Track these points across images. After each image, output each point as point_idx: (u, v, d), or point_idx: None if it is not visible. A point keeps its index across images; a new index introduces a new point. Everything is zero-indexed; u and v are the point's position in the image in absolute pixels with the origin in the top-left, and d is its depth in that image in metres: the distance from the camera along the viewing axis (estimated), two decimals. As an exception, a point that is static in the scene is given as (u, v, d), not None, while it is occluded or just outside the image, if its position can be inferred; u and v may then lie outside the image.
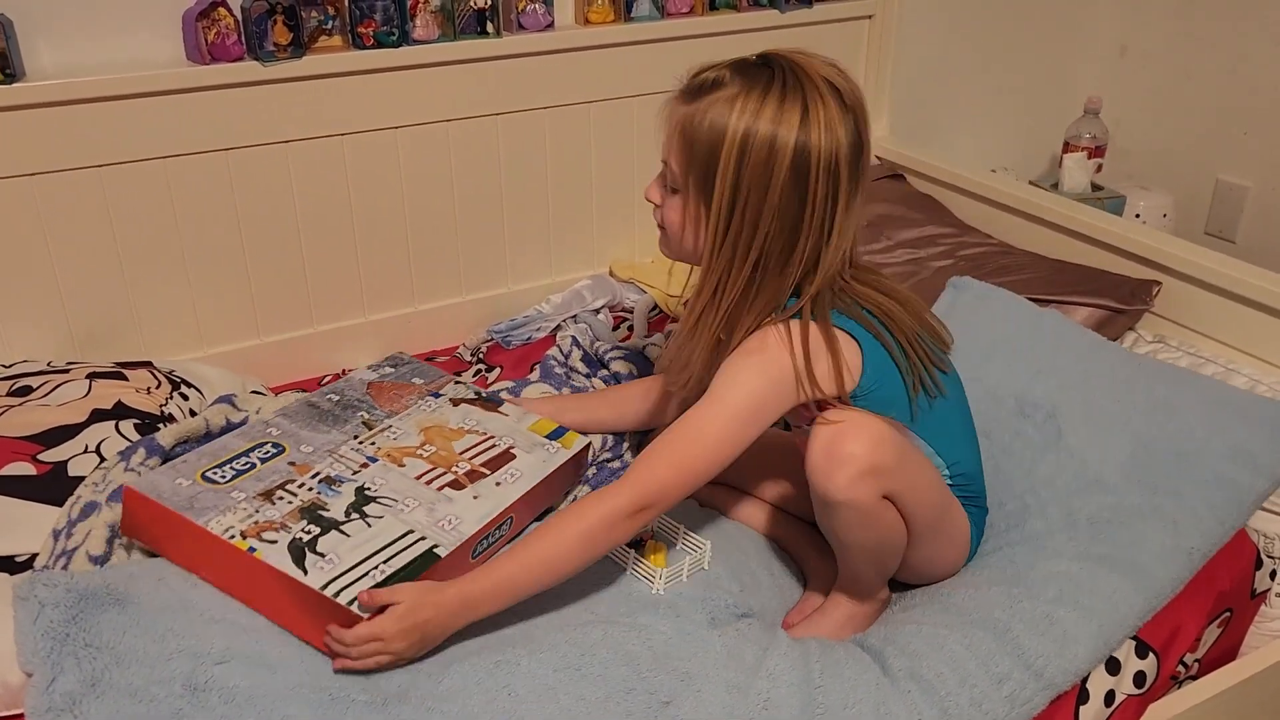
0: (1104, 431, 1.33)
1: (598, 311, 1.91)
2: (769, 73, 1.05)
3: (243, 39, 1.53)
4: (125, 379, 1.41)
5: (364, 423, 1.25)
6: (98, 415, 1.30)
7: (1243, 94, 2.18)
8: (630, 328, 1.88)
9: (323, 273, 1.73)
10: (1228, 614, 1.33)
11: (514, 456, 1.23)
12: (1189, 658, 1.28)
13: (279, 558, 1.00)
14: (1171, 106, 2.32)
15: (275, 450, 1.17)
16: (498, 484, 1.18)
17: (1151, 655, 1.20)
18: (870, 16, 2.04)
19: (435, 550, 1.06)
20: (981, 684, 1.05)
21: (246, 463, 1.14)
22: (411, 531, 1.08)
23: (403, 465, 1.18)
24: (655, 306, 1.94)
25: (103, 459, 1.23)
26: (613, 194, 1.94)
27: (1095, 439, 1.33)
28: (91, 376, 1.40)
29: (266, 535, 1.02)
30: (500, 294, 1.90)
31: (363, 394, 1.32)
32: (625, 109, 1.88)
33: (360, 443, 1.21)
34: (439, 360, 1.79)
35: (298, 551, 1.01)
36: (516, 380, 1.63)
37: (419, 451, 1.20)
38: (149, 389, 1.41)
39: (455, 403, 1.33)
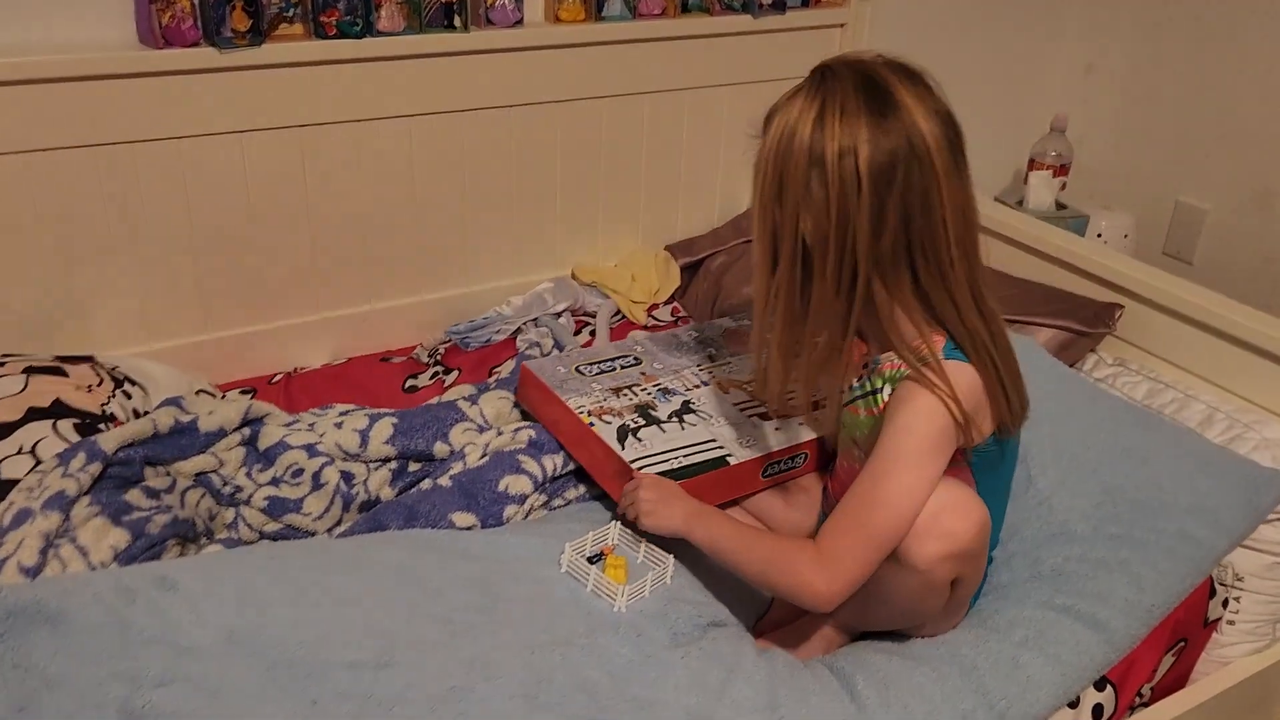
0: (1072, 477, 1.33)
1: (559, 315, 1.87)
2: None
3: (199, 23, 1.47)
4: (65, 374, 1.35)
5: (710, 356, 1.48)
6: (34, 414, 1.25)
7: (1205, 117, 2.20)
8: (592, 333, 1.85)
9: (276, 267, 1.67)
10: (1182, 644, 1.34)
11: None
12: (1145, 687, 1.29)
13: (608, 434, 1.26)
14: (1135, 127, 2.34)
15: (634, 361, 1.44)
16: (800, 424, 1.33)
17: (1109, 688, 1.20)
18: (842, 25, 2.02)
19: (727, 458, 1.26)
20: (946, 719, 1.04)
21: (610, 365, 1.42)
22: (714, 441, 1.29)
23: (727, 393, 1.39)
24: (618, 312, 1.91)
25: (38, 461, 1.17)
26: (578, 195, 1.90)
27: (1064, 485, 1.32)
28: (29, 371, 1.33)
29: (605, 418, 1.29)
30: (460, 294, 1.85)
31: (718, 335, 1.53)
32: (594, 110, 1.85)
33: (700, 370, 1.44)
34: (395, 362, 1.74)
35: (623, 433, 1.27)
36: (478, 385, 1.59)
37: (745, 385, 1.41)
38: (90, 386, 1.35)
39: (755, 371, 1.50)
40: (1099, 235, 2.10)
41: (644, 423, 1.31)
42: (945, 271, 1.02)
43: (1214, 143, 2.19)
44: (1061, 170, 2.14)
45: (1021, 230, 1.79)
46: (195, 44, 1.47)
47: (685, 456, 1.25)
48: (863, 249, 0.99)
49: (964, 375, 1.04)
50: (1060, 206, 2.10)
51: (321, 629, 0.98)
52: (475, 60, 1.70)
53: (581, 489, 1.34)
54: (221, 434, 1.27)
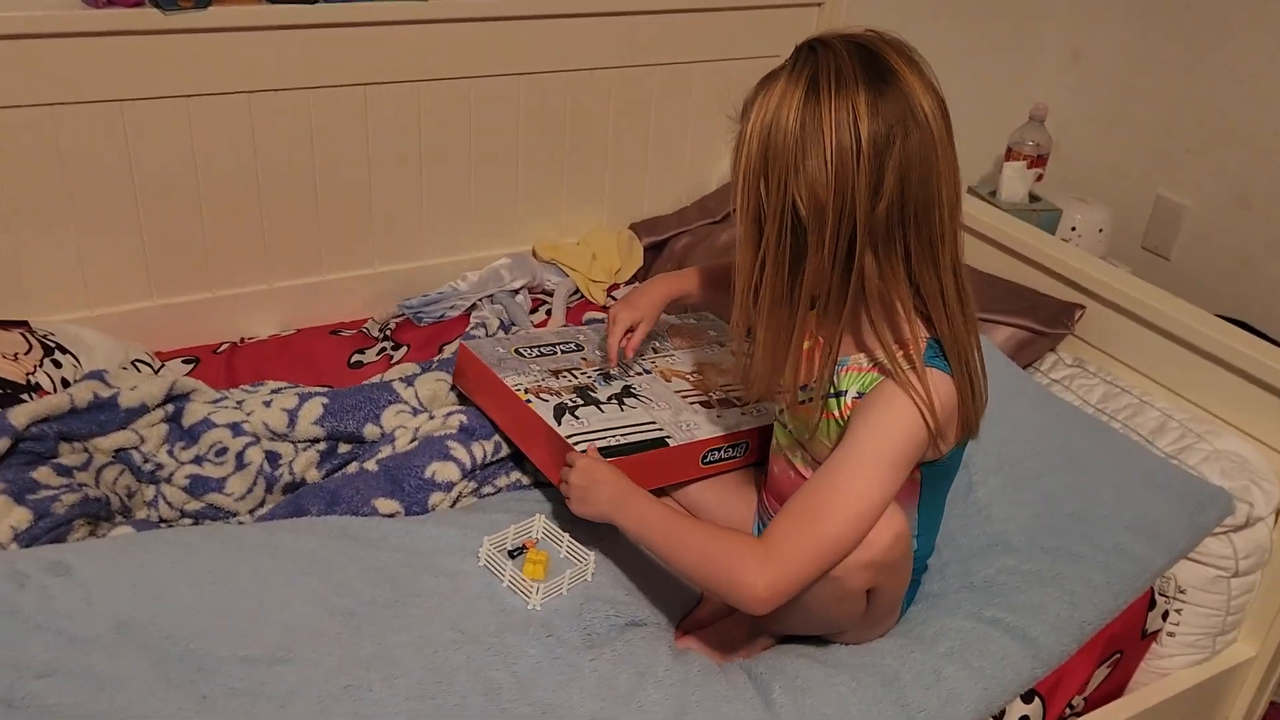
0: (1014, 486, 1.31)
1: (515, 293, 1.84)
2: None
3: (142, -17, 1.42)
4: (-8, 341, 1.33)
5: (653, 349, 1.46)
6: (-47, 383, 1.22)
7: (1192, 111, 2.15)
8: (548, 312, 1.82)
9: (224, 234, 1.64)
10: (1118, 655, 1.32)
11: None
12: (1077, 699, 1.27)
13: (545, 410, 1.24)
14: (1119, 117, 2.29)
15: (575, 348, 1.41)
16: (742, 414, 1.33)
17: (1037, 700, 1.18)
18: (819, 4, 1.97)
19: (666, 439, 1.24)
20: (863, 731, 1.03)
21: (550, 349, 1.39)
22: (654, 423, 1.27)
23: (669, 382, 1.38)
24: (576, 291, 1.88)
25: (-49, 433, 1.14)
26: (541, 170, 1.86)
27: (1004, 493, 1.30)
28: (-46, 337, 1.31)
29: (543, 395, 1.27)
30: (414, 267, 1.82)
31: (663, 331, 1.51)
32: (559, 83, 1.80)
33: (643, 359, 1.42)
34: (344, 335, 1.72)
35: (560, 410, 1.25)
36: (421, 364, 1.56)
37: (687, 376, 1.41)
38: (17, 355, 1.32)
39: (736, 354, 1.42)
40: (1073, 228, 2.06)
41: (582, 402, 1.28)
42: (936, 248, 0.97)
43: (1199, 137, 2.15)
44: (1038, 161, 2.09)
45: (987, 224, 1.75)
46: (138, 4, 1.43)
47: (623, 436, 1.23)
48: (861, 217, 0.94)
49: (943, 386, 1.00)
50: (1034, 199, 2.06)
51: (219, 620, 0.96)
52: (435, 29, 1.65)
53: (514, 476, 1.31)
54: (144, 410, 1.24)
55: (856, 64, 0.94)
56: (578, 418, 1.25)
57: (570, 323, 1.77)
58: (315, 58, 1.58)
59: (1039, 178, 2.10)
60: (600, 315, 1.79)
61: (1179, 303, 1.54)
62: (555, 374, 1.33)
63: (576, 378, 1.34)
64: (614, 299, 1.89)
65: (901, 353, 1.00)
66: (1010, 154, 2.10)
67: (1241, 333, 1.47)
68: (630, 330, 1.34)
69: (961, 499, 1.30)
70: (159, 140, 1.53)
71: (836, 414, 1.05)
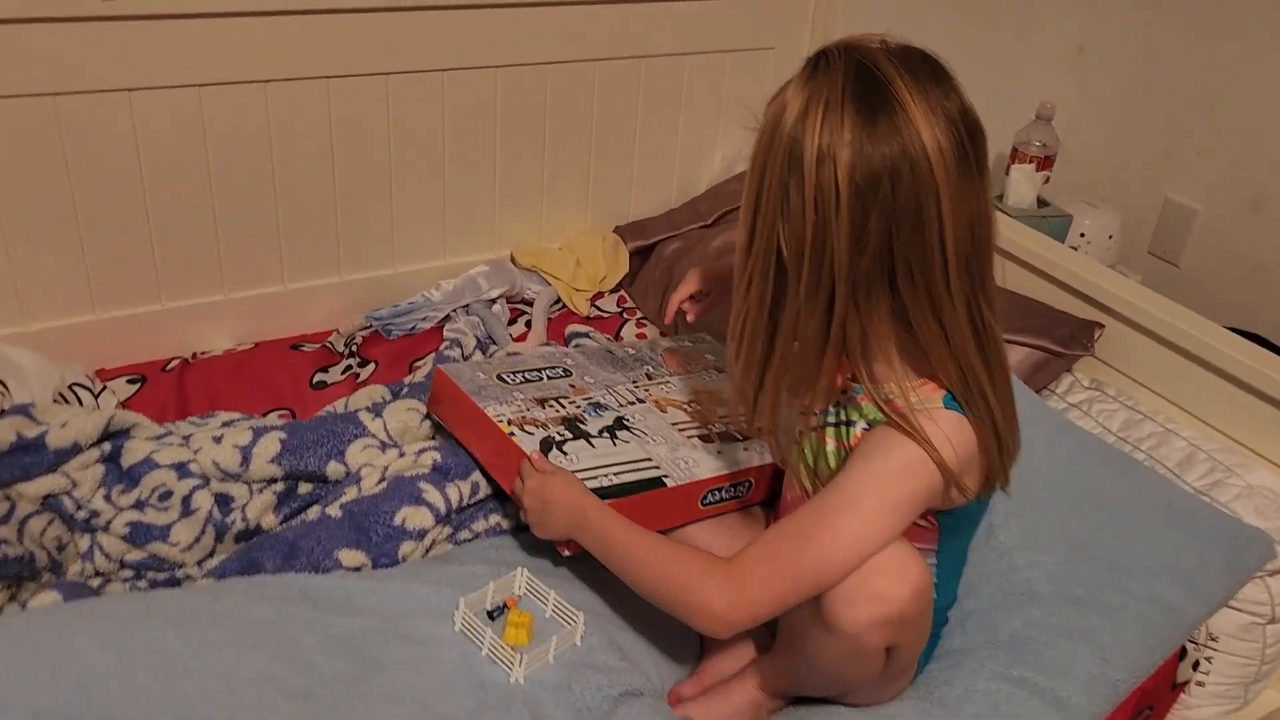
0: (1037, 529, 1.20)
1: (493, 302, 1.72)
2: None
3: (76, -35, 1.28)
4: (-94, 368, 1.18)
5: (647, 374, 1.34)
6: None
7: (1201, 110, 2.05)
8: (528, 323, 1.69)
9: (174, 240, 1.50)
10: (1148, 711, 1.22)
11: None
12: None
13: (529, 444, 1.12)
14: (1127, 115, 2.19)
15: (563, 373, 1.29)
16: (745, 449, 1.21)
17: (1063, 763, 1.08)
18: (819, -8, 1.85)
19: (664, 479, 1.12)
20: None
21: (535, 375, 1.27)
22: (650, 460, 1.15)
23: (665, 412, 1.26)
24: (558, 301, 1.75)
25: None
26: (519, 169, 1.73)
27: (1027, 538, 1.19)
28: None
29: (527, 428, 1.15)
30: (383, 275, 1.69)
31: (657, 354, 1.40)
32: (539, 76, 1.67)
33: (636, 386, 1.30)
34: (306, 350, 1.58)
35: (547, 445, 1.13)
36: (391, 385, 1.43)
37: (684, 406, 1.28)
38: (-67, 383, 1.18)
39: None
40: (1081, 234, 1.96)
41: (571, 436, 1.16)
42: (937, 297, 0.87)
43: (1210, 138, 2.05)
44: (1046, 163, 1.98)
45: (1002, 235, 1.63)
46: (72, -13, 1.29)
47: (616, 475, 1.12)
48: (841, 268, 0.85)
49: (960, 430, 0.90)
50: (1042, 204, 1.95)
51: (152, 711, 0.83)
52: (403, 17, 1.52)
53: (493, 520, 1.19)
54: (76, 450, 1.11)
55: (849, 91, 0.84)
56: (565, 453, 1.13)
57: (551, 337, 1.65)
58: (273, 46, 1.44)
59: (1046, 180, 1.99)
60: (584, 328, 1.67)
61: (1205, 323, 1.44)
62: (541, 403, 1.21)
63: (564, 407, 1.22)
64: (599, 309, 1.76)
65: (902, 394, 0.90)
66: (1015, 155, 1.99)
67: (1275, 358, 1.37)
68: (695, 297, 1.26)
69: (981, 543, 1.20)
70: (98, 137, 1.38)
71: (847, 444, 0.96)
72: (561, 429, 1.17)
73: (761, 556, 0.91)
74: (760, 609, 0.91)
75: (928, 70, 0.86)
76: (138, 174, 1.43)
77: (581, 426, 1.19)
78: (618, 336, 1.69)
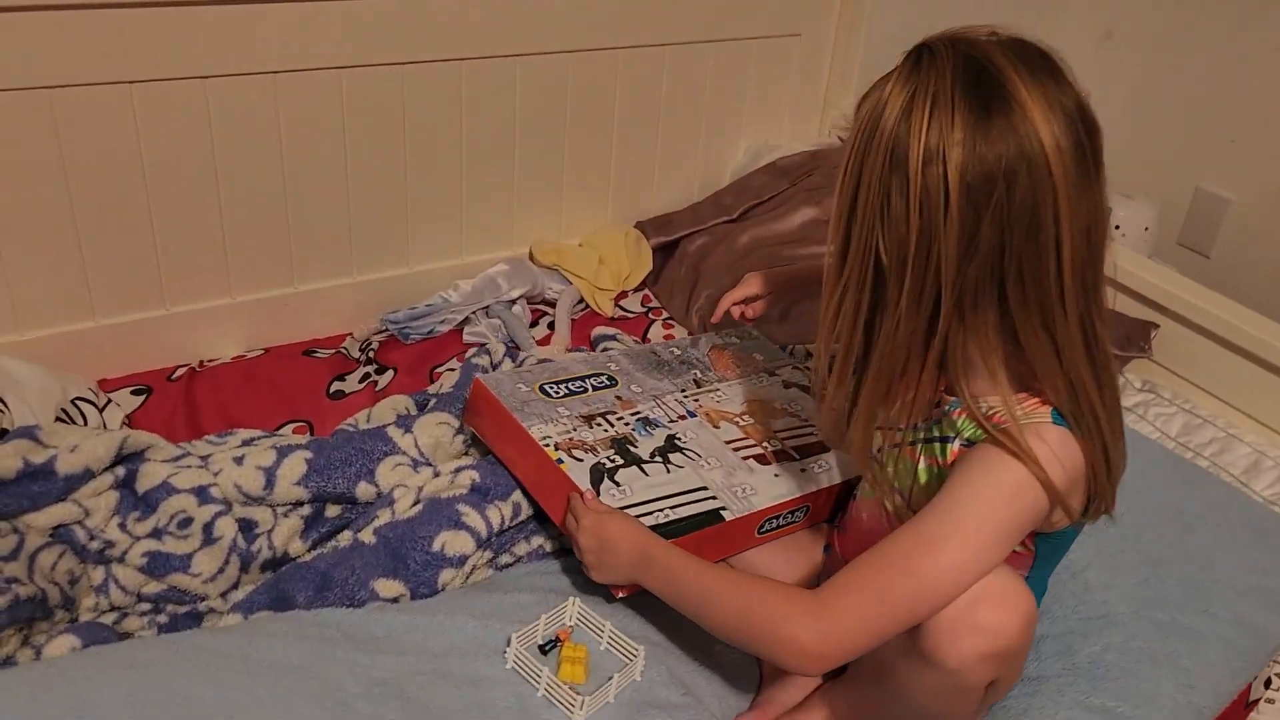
0: (1111, 547, 1.14)
1: (513, 303, 1.63)
2: None
3: (73, -53, 1.18)
4: (-103, 385, 1.10)
5: (695, 380, 1.27)
6: None
7: (1234, 96, 1.99)
8: (550, 325, 1.61)
9: (178, 242, 1.41)
10: (1222, 735, 1.17)
11: (827, 450, 1.18)
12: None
13: (580, 475, 1.05)
14: (1155, 103, 2.12)
15: (609, 382, 1.22)
16: (802, 470, 1.15)
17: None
18: (847, -23, 1.78)
19: (721, 512, 1.06)
20: None
21: (580, 386, 1.19)
22: (706, 489, 1.09)
23: (718, 427, 1.19)
24: (581, 301, 1.67)
25: None
26: (538, 162, 1.65)
27: (1100, 556, 1.13)
28: None
29: (576, 453, 1.08)
30: (399, 275, 1.60)
31: (704, 355, 1.33)
32: (557, 65, 1.59)
33: (685, 396, 1.23)
34: (320, 356, 1.50)
35: (598, 474, 1.06)
36: (416, 395, 1.35)
37: (737, 419, 1.21)
38: (-73, 401, 1.09)
39: (787, 385, 1.30)
40: (1116, 227, 1.90)
41: (622, 462, 1.09)
42: (1049, 308, 0.80)
43: (1243, 126, 1.99)
44: (1079, 152, 1.91)
45: (1112, 238, 1.57)
46: (69, -28, 1.19)
47: (674, 509, 1.05)
48: (947, 277, 0.79)
49: (1068, 449, 0.83)
50: (1077, 194, 1.89)
51: (190, 775, 0.76)
52: (417, 4, 1.43)
53: (535, 542, 1.12)
54: (88, 475, 1.02)
55: (959, 86, 0.77)
56: (618, 483, 1.06)
57: (576, 340, 1.57)
58: (282, 35, 1.35)
59: (1079, 170, 1.93)
60: (610, 330, 1.59)
61: (1265, 321, 1.38)
62: (588, 420, 1.14)
63: (613, 425, 1.15)
64: (623, 309, 1.69)
65: (1007, 409, 0.83)
66: (1048, 144, 1.92)
67: (1342, 359, 1.32)
68: (750, 301, 1.20)
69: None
70: (96, 133, 1.29)
71: (941, 462, 0.89)
72: (611, 454, 1.10)
73: (853, 585, 0.84)
74: (853, 642, 0.84)
75: (1043, 63, 0.79)
76: (139, 171, 1.34)
77: (632, 450, 1.11)
78: (644, 338, 1.61)
